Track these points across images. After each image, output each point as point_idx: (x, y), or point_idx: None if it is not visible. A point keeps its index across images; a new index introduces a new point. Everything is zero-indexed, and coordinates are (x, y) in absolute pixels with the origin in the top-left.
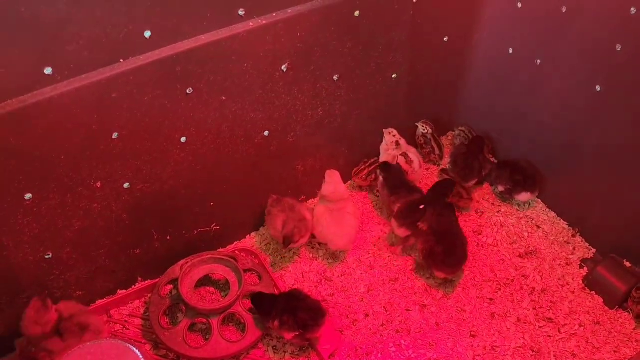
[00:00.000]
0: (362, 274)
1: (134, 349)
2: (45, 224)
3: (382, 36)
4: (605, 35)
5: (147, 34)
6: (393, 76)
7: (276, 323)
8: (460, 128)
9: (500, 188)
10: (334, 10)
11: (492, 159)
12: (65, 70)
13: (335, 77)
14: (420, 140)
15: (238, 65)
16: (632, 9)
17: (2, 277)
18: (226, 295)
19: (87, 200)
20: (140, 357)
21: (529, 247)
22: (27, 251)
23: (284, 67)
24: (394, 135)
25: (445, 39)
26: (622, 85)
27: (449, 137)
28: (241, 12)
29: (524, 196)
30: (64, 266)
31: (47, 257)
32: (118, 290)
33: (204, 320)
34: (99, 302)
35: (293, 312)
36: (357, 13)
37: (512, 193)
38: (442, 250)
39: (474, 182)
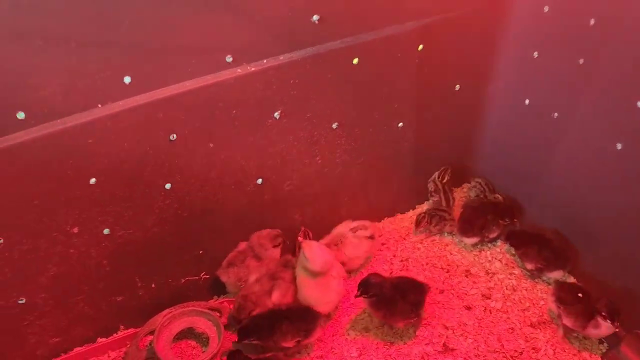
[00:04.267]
0: (355, 335)
1: None
2: (18, 269)
3: (385, 84)
4: (625, 90)
5: (127, 79)
6: (399, 125)
7: None
8: (476, 179)
9: (529, 266)
10: (329, 57)
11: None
12: (38, 115)
13: (334, 125)
14: (431, 187)
15: (225, 112)
16: None
17: None
18: (204, 352)
19: (63, 246)
20: None
21: (543, 315)
22: None
23: (276, 114)
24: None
25: (457, 87)
26: None
27: (464, 189)
28: (229, 59)
29: (556, 274)
30: (39, 312)
31: (20, 302)
32: (98, 338)
33: None
34: (77, 349)
35: None
36: (355, 60)
37: (543, 272)
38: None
39: (473, 240)
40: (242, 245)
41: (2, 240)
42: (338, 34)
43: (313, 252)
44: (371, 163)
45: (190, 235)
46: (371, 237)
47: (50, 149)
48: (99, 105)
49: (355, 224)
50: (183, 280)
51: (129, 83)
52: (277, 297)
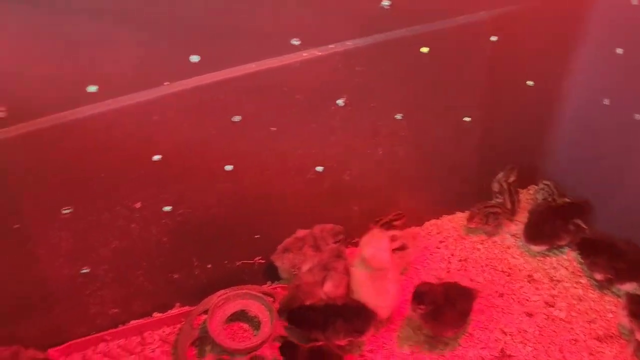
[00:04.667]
0: (408, 333)
1: None
2: (83, 239)
3: (454, 76)
4: None
5: (194, 58)
6: (465, 119)
7: None
8: (544, 182)
9: (598, 276)
10: (398, 45)
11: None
12: (108, 89)
13: (398, 116)
14: (495, 187)
15: (289, 96)
16: None
17: (39, 288)
18: (256, 336)
19: (125, 220)
20: None
21: (611, 329)
22: (64, 264)
23: (340, 102)
24: None
25: (530, 83)
26: None
27: (531, 191)
28: (295, 42)
29: (629, 286)
30: (100, 282)
31: (83, 271)
32: (154, 313)
33: (229, 359)
34: (134, 322)
35: None
36: (424, 50)
37: (613, 283)
38: None
39: (541, 247)
40: (301, 233)
41: (72, 210)
42: (408, 22)
43: (378, 243)
44: (434, 157)
45: (247, 219)
46: (402, 248)
47: (117, 124)
48: (166, 83)
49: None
50: (238, 263)
51: (197, 62)
52: (330, 288)
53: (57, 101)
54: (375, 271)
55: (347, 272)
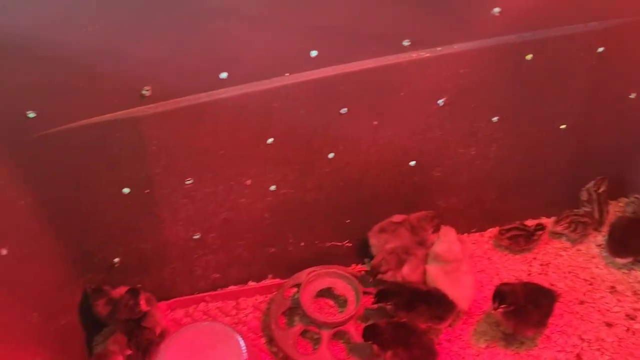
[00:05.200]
0: (485, 327)
1: (237, 335)
2: (198, 208)
3: (555, 83)
4: None
5: (314, 53)
6: (561, 127)
7: (389, 354)
8: (636, 195)
9: None
10: (504, 50)
11: None
12: (237, 77)
13: (494, 119)
14: (584, 196)
15: (395, 93)
16: None
17: (158, 247)
18: (342, 312)
19: (236, 195)
20: (241, 343)
21: None
22: (180, 228)
23: (440, 101)
24: None
25: (632, 95)
26: None
27: (620, 203)
28: (406, 43)
29: None
30: (207, 249)
31: (195, 237)
32: (249, 282)
33: (316, 330)
34: (231, 287)
35: (408, 347)
36: (529, 57)
37: None
38: None
39: (626, 260)
40: (398, 218)
41: (192, 180)
42: (516, 28)
43: (447, 236)
44: (526, 162)
45: (341, 204)
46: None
47: (241, 107)
48: (287, 74)
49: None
50: (328, 244)
51: (315, 57)
52: (407, 271)
53: (194, 85)
54: (449, 264)
55: (424, 259)
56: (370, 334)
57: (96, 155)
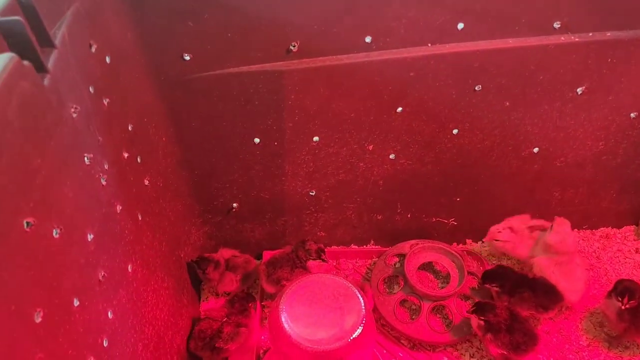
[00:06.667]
0: (588, 326)
1: (357, 292)
2: (319, 166)
3: None
4: None
5: (460, 26)
6: None
7: (489, 336)
8: None
9: None
10: None
11: None
12: (381, 42)
13: (632, 115)
14: None
15: (534, 76)
16: None
17: (275, 198)
18: (443, 288)
19: (356, 158)
20: (361, 300)
21: None
22: (299, 183)
23: (579, 90)
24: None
25: None
26: None
27: None
28: (556, 25)
29: None
30: (319, 206)
31: (311, 193)
32: (352, 245)
33: (416, 301)
34: (334, 247)
35: (510, 331)
36: None
37: None
38: None
39: None
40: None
41: (318, 139)
42: None
43: (562, 227)
44: None
45: (454, 181)
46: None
47: (379, 73)
48: (429, 45)
49: (532, 222)
50: (434, 220)
51: (461, 29)
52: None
53: (338, 46)
54: (562, 256)
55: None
56: (482, 312)
57: (237, 103)
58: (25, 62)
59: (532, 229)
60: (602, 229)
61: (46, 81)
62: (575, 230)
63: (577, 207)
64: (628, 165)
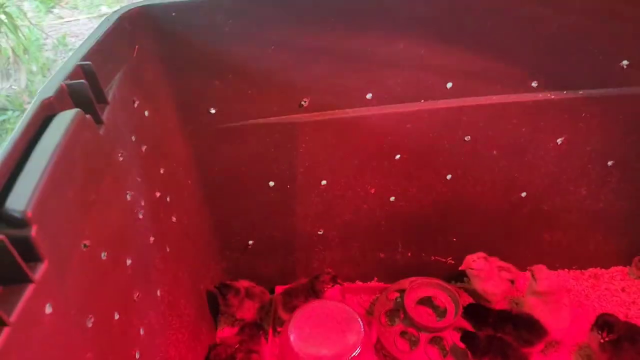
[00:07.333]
0: None
1: (357, 316)
2: (327, 208)
3: None
4: None
5: (449, 85)
6: None
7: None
8: None
9: None
10: (628, 100)
11: None
12: (380, 98)
13: (609, 163)
14: None
15: (516, 128)
16: None
17: (287, 237)
18: (440, 320)
19: (360, 200)
20: (361, 323)
21: None
22: (309, 223)
23: (559, 140)
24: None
25: None
26: None
27: None
28: (534, 84)
29: None
30: (326, 245)
31: (319, 233)
32: (357, 281)
33: (415, 333)
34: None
35: (505, 356)
36: None
37: None
38: None
39: None
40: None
41: (326, 182)
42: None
43: (543, 273)
44: (636, 209)
45: (450, 223)
46: (512, 281)
47: (379, 125)
48: (422, 101)
49: (500, 263)
50: (432, 258)
51: (449, 88)
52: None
53: (344, 101)
54: (549, 296)
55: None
56: (468, 340)
57: (255, 150)
58: (87, 116)
59: (500, 268)
60: (590, 269)
61: (101, 131)
62: (565, 270)
63: (565, 248)
64: (609, 210)
